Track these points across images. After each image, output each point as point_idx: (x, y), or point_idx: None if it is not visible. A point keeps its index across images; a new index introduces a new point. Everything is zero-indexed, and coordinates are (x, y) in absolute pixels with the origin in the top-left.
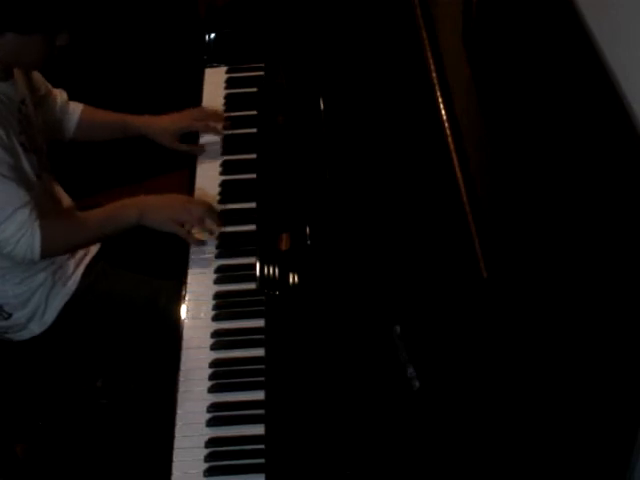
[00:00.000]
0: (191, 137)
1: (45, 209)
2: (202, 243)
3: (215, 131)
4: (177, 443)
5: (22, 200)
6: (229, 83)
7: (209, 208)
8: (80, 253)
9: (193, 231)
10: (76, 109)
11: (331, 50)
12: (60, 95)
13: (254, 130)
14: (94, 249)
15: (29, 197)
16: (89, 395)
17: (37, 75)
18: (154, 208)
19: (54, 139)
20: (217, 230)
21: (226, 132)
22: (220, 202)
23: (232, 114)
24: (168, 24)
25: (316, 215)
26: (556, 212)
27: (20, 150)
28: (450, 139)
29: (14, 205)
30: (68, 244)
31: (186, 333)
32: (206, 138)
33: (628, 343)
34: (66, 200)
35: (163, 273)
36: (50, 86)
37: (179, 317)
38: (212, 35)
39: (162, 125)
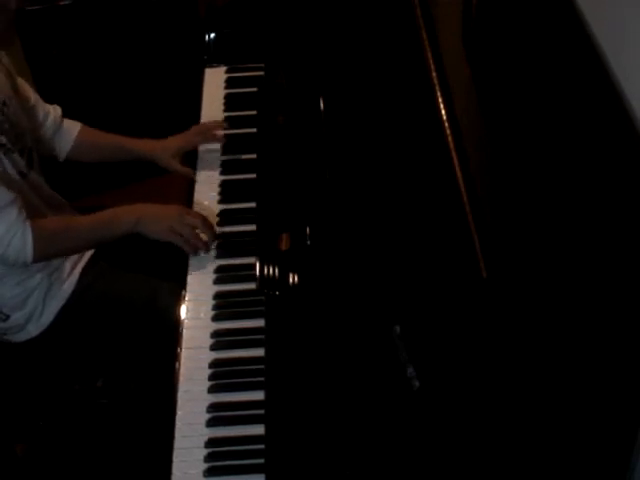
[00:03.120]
0: (190, 155)
1: (33, 204)
2: (199, 252)
3: (216, 139)
4: (177, 443)
5: (8, 199)
6: (229, 83)
7: (204, 220)
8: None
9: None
10: (72, 129)
11: (331, 50)
12: (54, 111)
13: (254, 130)
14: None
15: (14, 196)
16: (89, 395)
17: (25, 85)
18: (150, 217)
19: (46, 156)
20: (212, 242)
21: (226, 132)
22: (220, 202)
23: (232, 114)
24: (168, 24)
25: (316, 215)
26: (556, 212)
27: (1, 152)
28: (450, 139)
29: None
30: (61, 248)
31: (186, 333)
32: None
33: (628, 343)
34: (57, 200)
35: (163, 273)
36: (42, 100)
37: (179, 317)
38: (212, 35)
39: (163, 147)
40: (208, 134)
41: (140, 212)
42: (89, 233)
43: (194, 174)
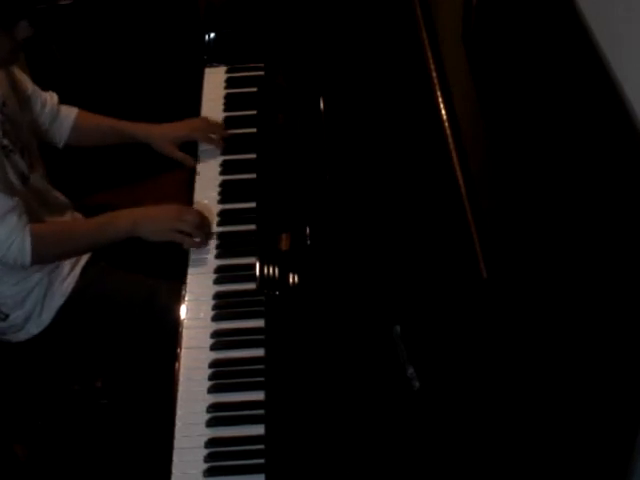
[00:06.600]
0: (190, 148)
1: (33, 210)
2: (199, 246)
3: (215, 143)
4: (177, 443)
5: (8, 206)
6: (229, 83)
7: (202, 216)
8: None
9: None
10: (69, 114)
11: (331, 50)
12: (50, 98)
13: (254, 130)
14: None
15: (15, 202)
16: (89, 395)
17: (22, 75)
18: (148, 219)
19: (45, 142)
20: (211, 236)
21: (226, 135)
22: (220, 202)
23: (232, 114)
24: (168, 24)
25: (316, 215)
26: (556, 212)
27: (2, 155)
28: (450, 139)
29: (1, 212)
30: (59, 252)
31: (186, 333)
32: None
33: (628, 343)
34: (60, 199)
35: (162, 273)
36: (38, 88)
37: (179, 317)
38: (212, 35)
39: (161, 132)
40: (208, 135)
41: (137, 216)
42: (87, 238)
43: (193, 162)
